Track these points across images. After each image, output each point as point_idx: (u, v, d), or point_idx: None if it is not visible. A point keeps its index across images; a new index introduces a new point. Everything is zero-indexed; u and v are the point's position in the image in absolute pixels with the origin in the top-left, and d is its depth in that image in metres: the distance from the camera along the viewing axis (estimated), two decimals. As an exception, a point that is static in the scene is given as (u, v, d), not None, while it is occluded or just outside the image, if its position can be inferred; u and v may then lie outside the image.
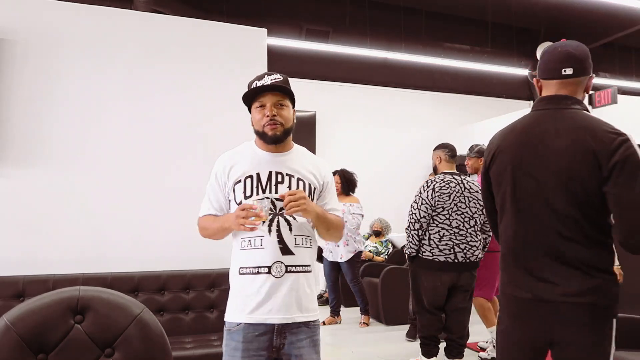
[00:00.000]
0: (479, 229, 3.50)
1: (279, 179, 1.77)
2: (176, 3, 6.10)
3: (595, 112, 6.35)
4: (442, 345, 3.60)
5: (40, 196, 3.17)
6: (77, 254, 3.19)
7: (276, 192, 1.74)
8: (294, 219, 1.74)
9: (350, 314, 5.92)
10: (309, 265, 1.76)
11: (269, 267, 1.69)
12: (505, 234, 1.76)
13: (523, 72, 8.22)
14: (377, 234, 6.53)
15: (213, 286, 3.35)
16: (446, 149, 3.69)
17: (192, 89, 3.58)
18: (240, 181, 1.78)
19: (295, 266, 1.71)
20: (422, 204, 3.44)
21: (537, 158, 1.66)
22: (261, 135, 1.80)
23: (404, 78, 8.27)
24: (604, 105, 5.60)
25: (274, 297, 1.68)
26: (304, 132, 7.77)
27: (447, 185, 3.46)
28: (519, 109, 7.43)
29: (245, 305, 1.71)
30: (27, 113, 3.19)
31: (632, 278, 5.80)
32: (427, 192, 3.47)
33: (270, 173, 1.78)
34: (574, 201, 1.61)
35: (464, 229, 3.43)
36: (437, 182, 3.48)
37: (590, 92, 5.73)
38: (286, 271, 1.70)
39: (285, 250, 1.71)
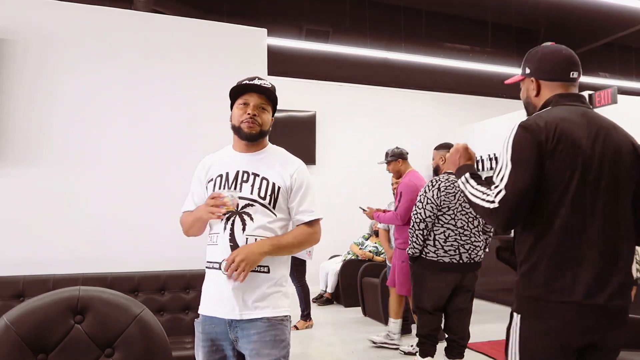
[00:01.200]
0: (481, 229, 3.47)
1: (244, 178, 1.83)
2: (176, 3, 6.10)
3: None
4: (442, 344, 3.59)
5: (40, 196, 3.17)
6: (77, 254, 3.19)
7: (240, 190, 1.81)
8: (251, 219, 1.78)
9: (351, 313, 5.93)
10: (265, 267, 1.77)
11: (219, 264, 1.76)
12: (557, 226, 1.55)
13: (523, 72, 8.20)
14: (377, 234, 6.53)
15: (213, 286, 3.35)
16: (449, 149, 3.66)
17: (192, 89, 3.58)
18: (212, 179, 1.88)
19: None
20: (427, 203, 3.41)
21: (607, 151, 1.58)
22: (236, 130, 1.86)
23: (404, 78, 8.28)
24: (604, 105, 5.60)
25: (221, 292, 1.76)
26: (304, 132, 7.76)
27: (452, 185, 3.43)
28: (519, 109, 7.42)
29: (204, 298, 1.84)
30: (27, 113, 3.19)
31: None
32: (433, 191, 3.43)
33: (237, 172, 1.84)
34: (632, 198, 1.61)
35: (469, 229, 3.39)
36: (442, 182, 3.45)
37: (590, 92, 5.76)
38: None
39: (235, 248, 1.75)
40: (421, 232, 3.40)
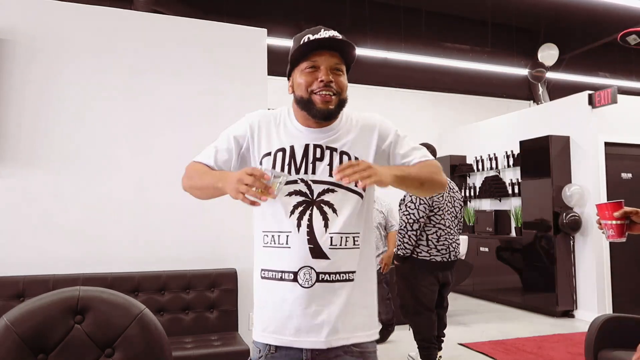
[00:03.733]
0: (460, 227, 3.62)
1: (317, 155, 1.37)
2: (176, 3, 6.10)
3: (595, 112, 6.35)
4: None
5: (40, 196, 3.17)
6: (77, 254, 3.20)
7: (313, 173, 1.35)
8: (334, 212, 1.33)
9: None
10: (353, 272, 1.34)
11: (295, 274, 1.31)
12: None
13: (523, 72, 8.21)
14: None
15: (213, 286, 3.35)
16: (427, 149, 3.68)
17: (192, 88, 3.58)
18: (270, 154, 1.40)
19: (330, 274, 1.31)
20: (420, 203, 3.44)
21: None
22: (306, 104, 1.37)
23: (404, 78, 8.27)
24: (604, 105, 5.60)
25: (301, 313, 1.30)
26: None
27: None
28: (519, 109, 7.43)
29: (270, 320, 1.35)
30: (27, 113, 3.19)
31: (631, 278, 5.81)
32: None
33: (307, 146, 1.38)
34: None
35: (452, 227, 3.52)
36: None
37: (590, 92, 5.76)
38: (317, 280, 1.30)
39: (317, 252, 1.31)
40: (414, 232, 3.43)
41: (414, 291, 3.49)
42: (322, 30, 1.37)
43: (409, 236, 3.43)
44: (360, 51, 6.98)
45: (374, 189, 1.44)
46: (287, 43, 6.62)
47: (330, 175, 1.35)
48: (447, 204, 3.48)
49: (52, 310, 1.50)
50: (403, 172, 1.36)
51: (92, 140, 3.32)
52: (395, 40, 7.21)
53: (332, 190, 1.35)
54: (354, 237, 1.35)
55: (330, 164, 1.37)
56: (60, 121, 3.26)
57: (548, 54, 7.78)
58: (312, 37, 1.36)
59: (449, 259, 3.46)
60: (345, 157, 1.38)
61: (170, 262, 3.36)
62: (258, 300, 1.39)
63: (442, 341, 3.69)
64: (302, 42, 1.36)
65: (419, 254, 3.44)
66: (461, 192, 5.68)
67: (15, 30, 3.20)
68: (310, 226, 1.32)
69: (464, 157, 7.96)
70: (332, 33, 1.37)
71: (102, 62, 3.39)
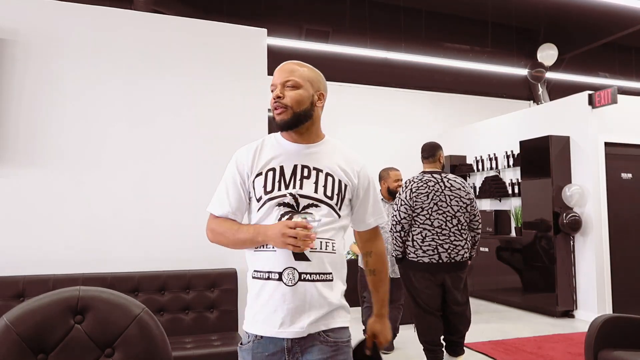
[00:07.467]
0: (463, 227, 3.42)
1: (305, 174, 1.53)
2: (176, 3, 6.09)
3: (595, 112, 6.34)
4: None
5: (40, 196, 3.17)
6: (77, 254, 3.20)
7: (300, 188, 1.51)
8: (314, 219, 1.49)
9: (352, 314, 5.90)
10: (330, 274, 1.50)
11: (280, 274, 1.47)
12: None
13: (523, 72, 8.22)
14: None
15: (213, 286, 3.35)
16: (421, 150, 3.63)
17: (192, 88, 3.58)
18: (261, 174, 1.54)
19: (311, 274, 1.47)
20: (401, 205, 3.42)
21: None
22: (273, 119, 1.58)
23: (404, 78, 8.28)
24: (604, 105, 5.60)
25: (284, 306, 1.45)
26: (304, 132, 7.75)
27: (425, 185, 3.42)
28: (519, 109, 7.43)
29: (258, 314, 1.50)
30: (27, 113, 3.20)
31: (631, 278, 5.81)
32: (406, 192, 3.44)
33: (295, 166, 1.54)
34: None
35: (447, 228, 3.36)
36: (414, 183, 3.45)
37: (590, 92, 5.76)
38: (300, 279, 1.46)
39: (299, 255, 1.47)
40: (399, 234, 3.41)
41: (411, 292, 3.48)
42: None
43: (395, 238, 3.44)
44: (361, 51, 6.99)
45: (349, 210, 1.63)
46: (287, 43, 6.62)
47: (316, 191, 1.52)
48: (436, 204, 3.37)
49: (52, 310, 1.50)
50: (383, 306, 1.76)
51: (92, 140, 3.32)
52: (395, 40, 7.21)
53: (316, 205, 1.51)
54: (332, 244, 1.52)
55: (317, 182, 1.53)
56: (60, 121, 3.26)
57: (548, 54, 7.78)
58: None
59: (439, 261, 3.32)
60: (330, 179, 1.55)
61: (170, 262, 3.36)
62: (249, 296, 1.55)
63: (458, 344, 3.50)
64: None
65: (409, 255, 3.42)
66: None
67: (15, 30, 3.20)
68: None
69: (464, 157, 7.96)
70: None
71: (102, 62, 3.39)
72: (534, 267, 6.09)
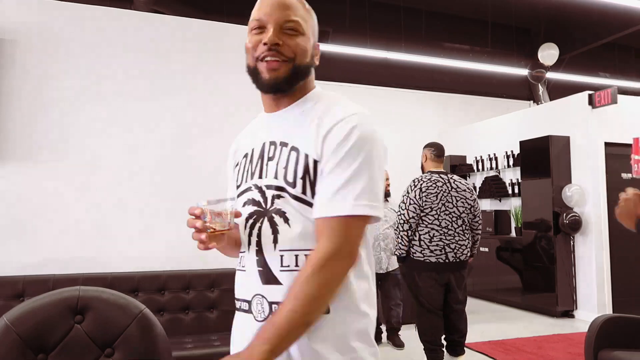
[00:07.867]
0: (467, 228, 3.49)
1: (271, 153, 1.09)
2: (176, 3, 6.10)
3: (595, 112, 6.34)
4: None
5: (40, 196, 3.17)
6: (77, 254, 3.20)
7: (260, 176, 1.09)
8: (286, 222, 1.02)
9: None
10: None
11: (249, 303, 1.06)
12: None
13: (523, 72, 8.22)
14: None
15: (213, 286, 3.35)
16: (432, 147, 3.65)
17: (192, 88, 3.58)
18: (237, 164, 1.20)
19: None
20: (410, 204, 3.43)
21: None
22: (253, 74, 1.12)
23: (404, 78, 8.28)
24: (604, 105, 5.60)
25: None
26: (304, 132, 7.75)
27: (434, 185, 3.45)
28: (519, 109, 7.44)
29: (232, 353, 1.10)
30: (27, 113, 3.19)
31: (631, 279, 5.81)
32: (415, 192, 3.45)
33: (263, 145, 1.12)
34: None
35: (452, 228, 3.42)
36: (423, 182, 3.47)
37: (590, 92, 5.76)
38: (270, 311, 1.02)
39: (267, 276, 1.03)
40: (405, 233, 3.42)
41: (414, 292, 3.50)
42: None
43: (401, 237, 3.45)
44: (361, 51, 6.99)
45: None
46: (287, 43, 6.62)
47: (276, 177, 1.05)
48: (443, 204, 3.41)
49: (52, 310, 1.50)
50: (276, 343, 0.92)
51: (92, 140, 3.32)
52: (395, 40, 7.21)
53: (280, 196, 1.04)
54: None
55: (279, 163, 1.05)
56: (59, 121, 3.26)
57: (548, 54, 7.78)
58: None
59: (446, 260, 3.38)
60: (293, 155, 1.04)
61: (170, 262, 3.36)
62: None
63: (459, 344, 3.54)
64: None
65: (414, 254, 3.43)
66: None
67: (15, 30, 3.20)
68: (259, 243, 1.05)
69: (464, 157, 7.96)
70: None
71: (102, 61, 3.39)
72: (534, 267, 6.10)
